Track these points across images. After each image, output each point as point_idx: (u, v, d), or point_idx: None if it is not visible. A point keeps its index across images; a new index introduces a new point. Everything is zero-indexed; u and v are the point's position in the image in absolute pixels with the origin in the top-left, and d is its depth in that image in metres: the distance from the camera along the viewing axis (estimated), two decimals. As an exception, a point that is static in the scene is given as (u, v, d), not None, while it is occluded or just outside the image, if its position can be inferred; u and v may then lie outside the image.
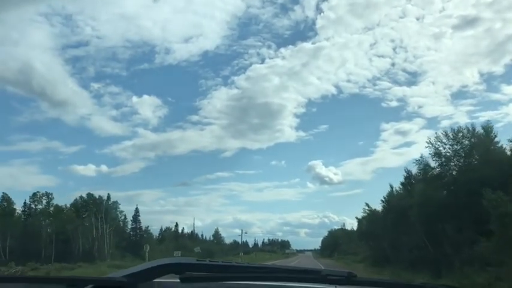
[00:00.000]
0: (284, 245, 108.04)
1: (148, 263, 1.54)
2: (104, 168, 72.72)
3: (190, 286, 1.42)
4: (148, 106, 79.54)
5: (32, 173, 71.83)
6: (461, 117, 62.81)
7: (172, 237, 68.36)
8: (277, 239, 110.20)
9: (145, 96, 79.35)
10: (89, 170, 73.77)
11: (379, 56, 78.40)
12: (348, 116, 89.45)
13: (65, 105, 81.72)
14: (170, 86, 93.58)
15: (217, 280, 1.49)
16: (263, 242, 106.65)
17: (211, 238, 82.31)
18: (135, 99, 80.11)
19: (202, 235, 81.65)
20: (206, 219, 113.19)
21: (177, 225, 75.67)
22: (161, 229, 72.80)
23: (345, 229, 78.90)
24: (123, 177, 78.31)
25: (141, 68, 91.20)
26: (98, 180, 72.73)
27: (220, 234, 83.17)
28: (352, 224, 73.86)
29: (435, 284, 1.91)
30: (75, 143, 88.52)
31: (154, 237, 64.57)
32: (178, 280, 1.39)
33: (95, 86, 77.40)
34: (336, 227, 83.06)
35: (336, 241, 76.81)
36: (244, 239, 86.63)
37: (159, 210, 79.64)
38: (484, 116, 58.95)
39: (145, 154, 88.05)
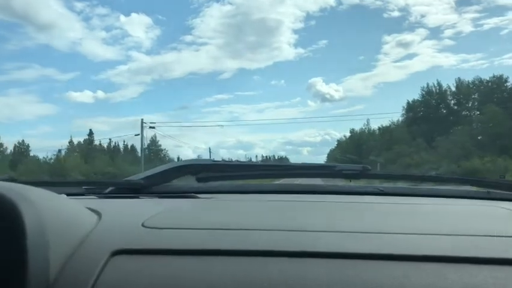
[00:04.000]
0: (281, 162, 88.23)
1: (164, 166, 1.54)
2: (100, 94, 70.79)
3: (206, 185, 1.46)
4: (139, 26, 75.78)
5: (30, 101, 70.99)
6: (465, 25, 60.89)
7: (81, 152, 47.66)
8: (273, 156, 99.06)
9: (134, 15, 76.84)
10: (85, 96, 74.00)
11: (380, -41, 62.78)
12: (348, 30, 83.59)
13: (53, 29, 78.81)
14: (160, 5, 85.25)
15: (233, 179, 1.56)
16: (249, 160, 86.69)
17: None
18: (124, 19, 75.25)
19: (149, 152, 55.89)
20: (210, 141, 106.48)
21: (91, 133, 52.42)
22: (70, 141, 49.61)
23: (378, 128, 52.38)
24: (122, 103, 75.16)
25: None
26: (97, 106, 70.98)
27: (161, 150, 57.14)
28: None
29: (449, 176, 1.79)
30: (70, 69, 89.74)
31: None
32: (195, 181, 1.44)
33: (82, 7, 75.68)
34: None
35: (360, 147, 48.77)
36: (234, 157, 74.93)
37: (161, 135, 65.49)
38: (488, 23, 57.52)
39: (141, 78, 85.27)
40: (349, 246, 0.71)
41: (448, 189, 1.43)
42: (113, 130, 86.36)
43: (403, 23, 72.16)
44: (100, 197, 1.30)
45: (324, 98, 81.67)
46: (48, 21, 78.04)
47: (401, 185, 1.57)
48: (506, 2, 58.69)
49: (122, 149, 58.52)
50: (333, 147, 76.98)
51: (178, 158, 72.15)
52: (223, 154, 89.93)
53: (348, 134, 62.47)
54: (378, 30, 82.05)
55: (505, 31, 59.67)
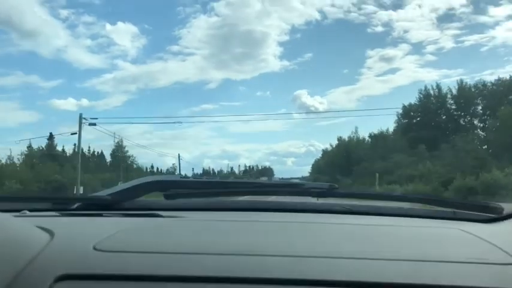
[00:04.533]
0: (265, 172, 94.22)
1: (133, 182, 1.56)
2: (85, 102, 69.99)
3: (174, 203, 1.45)
4: (125, 35, 77.41)
5: (13, 109, 72.14)
6: (447, 41, 62.46)
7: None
8: (256, 166, 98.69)
9: (121, 24, 75.01)
10: (69, 104, 71.01)
11: (365, -25, 63.90)
12: (333, 43, 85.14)
13: (38, 36, 74.15)
14: (146, 14, 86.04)
15: (201, 196, 1.57)
16: (230, 170, 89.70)
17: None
18: (110, 27, 78.56)
19: (115, 158, 51.95)
20: (194, 151, 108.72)
21: (51, 137, 46.03)
22: (29, 145, 43.14)
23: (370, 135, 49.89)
24: (106, 111, 72.26)
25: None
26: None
27: (128, 157, 50.81)
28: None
29: (415, 195, 1.85)
30: (54, 77, 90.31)
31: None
32: (163, 198, 1.45)
33: (67, 14, 69.84)
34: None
35: (348, 157, 45.05)
36: (217, 168, 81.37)
37: (146, 144, 76.22)
38: (469, 40, 59.90)
39: (126, 87, 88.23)
40: (305, 272, 0.70)
41: (415, 208, 1.43)
42: (96, 139, 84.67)
43: (387, 38, 74.63)
44: (63, 214, 1.26)
45: (308, 110, 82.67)
46: (33, 28, 78.19)
47: (368, 203, 1.59)
48: (486, 20, 60.98)
49: (89, 156, 53.79)
50: (318, 158, 75.85)
51: (152, 166, 69.10)
52: (207, 164, 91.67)
53: (334, 143, 58.52)
54: (361, 45, 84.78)
55: (485, 48, 63.15)
